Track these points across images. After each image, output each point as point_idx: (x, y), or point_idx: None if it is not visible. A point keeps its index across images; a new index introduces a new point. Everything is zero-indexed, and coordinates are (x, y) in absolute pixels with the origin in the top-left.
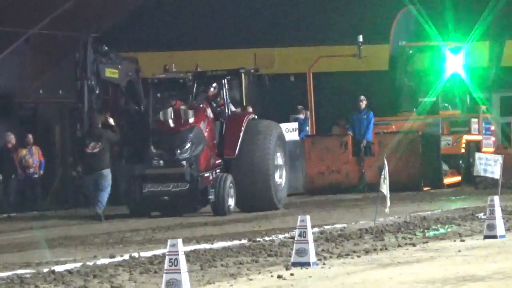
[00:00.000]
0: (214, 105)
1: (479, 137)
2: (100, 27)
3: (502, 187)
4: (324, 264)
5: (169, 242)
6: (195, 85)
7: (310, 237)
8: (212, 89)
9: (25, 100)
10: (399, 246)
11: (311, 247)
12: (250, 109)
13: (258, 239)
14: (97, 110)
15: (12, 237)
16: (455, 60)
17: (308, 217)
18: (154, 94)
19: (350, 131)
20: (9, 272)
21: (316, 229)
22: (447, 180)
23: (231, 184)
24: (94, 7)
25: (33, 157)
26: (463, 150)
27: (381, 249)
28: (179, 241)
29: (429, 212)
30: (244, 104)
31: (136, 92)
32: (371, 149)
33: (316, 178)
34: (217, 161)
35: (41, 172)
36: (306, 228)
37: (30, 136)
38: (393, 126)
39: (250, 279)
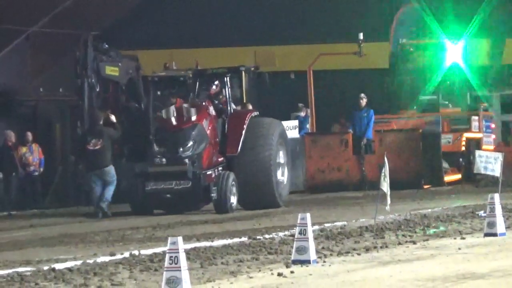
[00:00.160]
0: (216, 102)
1: (479, 135)
2: (101, 25)
3: (502, 185)
4: (324, 262)
5: (169, 240)
6: (197, 83)
7: (310, 235)
8: (214, 87)
9: (25, 98)
10: (399, 244)
11: (311, 245)
12: (250, 107)
13: (258, 237)
14: (98, 108)
15: (12, 235)
16: (456, 57)
17: (308, 215)
18: (154, 92)
19: (351, 129)
20: (9, 270)
21: (316, 227)
22: (448, 178)
23: (233, 182)
24: (95, 5)
25: (33, 155)
26: (463, 148)
27: (381, 247)
28: (179, 239)
29: (430, 210)
30: (245, 101)
31: (136, 90)
32: (372, 147)
33: (316, 176)
34: (219, 159)
35: (41, 169)
36: (306, 226)
37: (29, 134)
38: (394, 124)
39: (250, 277)
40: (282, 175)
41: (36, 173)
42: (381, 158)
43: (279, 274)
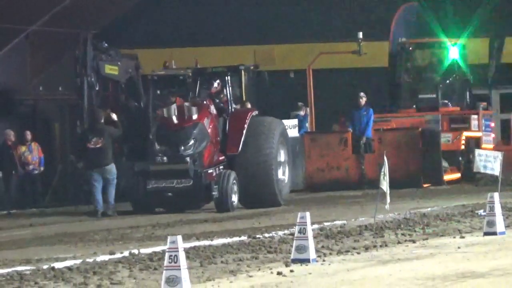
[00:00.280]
0: (217, 101)
1: (479, 134)
2: (100, 24)
3: (502, 184)
4: (323, 260)
5: (169, 238)
6: (198, 82)
7: (309, 234)
8: (215, 85)
9: (25, 97)
10: (399, 242)
11: (311, 244)
12: (249, 105)
13: (258, 236)
14: (98, 106)
15: (12, 234)
16: (455, 56)
17: (308, 214)
18: (154, 91)
19: (350, 128)
20: (9, 269)
21: (315, 226)
22: (447, 177)
23: (234, 181)
24: (94, 4)
25: (33, 153)
26: (463, 147)
27: (381, 246)
28: (179, 237)
29: (429, 209)
30: (244, 99)
31: (136, 89)
32: (371, 146)
33: (315, 175)
34: (221, 158)
35: (41, 168)
36: (306, 225)
37: (28, 133)
38: (393, 123)
39: (250, 276)
40: (283, 174)
41: (36, 172)
42: (381, 157)
43: (279, 273)
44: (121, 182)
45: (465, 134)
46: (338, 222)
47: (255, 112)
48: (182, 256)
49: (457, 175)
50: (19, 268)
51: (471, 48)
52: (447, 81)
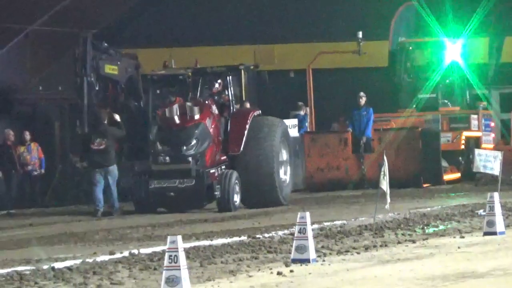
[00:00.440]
0: (218, 100)
1: (478, 134)
2: (100, 24)
3: (501, 184)
4: (323, 260)
5: (168, 238)
6: (200, 81)
7: (309, 234)
8: (217, 85)
9: (24, 96)
10: (398, 242)
11: (311, 244)
12: (248, 105)
13: (257, 236)
14: (102, 106)
15: (12, 234)
16: (455, 56)
17: (307, 214)
18: (154, 91)
19: (350, 128)
20: (9, 269)
21: (315, 226)
22: (447, 177)
23: (236, 181)
24: (94, 4)
25: (32, 154)
26: (462, 147)
27: (380, 246)
28: (179, 237)
29: (429, 209)
30: (244, 99)
31: (135, 89)
32: (371, 146)
33: (315, 175)
34: (222, 158)
35: (43, 171)
36: (306, 225)
37: (27, 133)
38: (393, 123)
39: (250, 276)
40: (285, 174)
41: (35, 173)
42: (381, 156)
43: (279, 273)
44: (120, 182)
45: (465, 133)
46: (338, 222)
47: (257, 112)
48: (182, 256)
49: (457, 175)
50: (19, 268)
51: (470, 47)
52: (447, 81)
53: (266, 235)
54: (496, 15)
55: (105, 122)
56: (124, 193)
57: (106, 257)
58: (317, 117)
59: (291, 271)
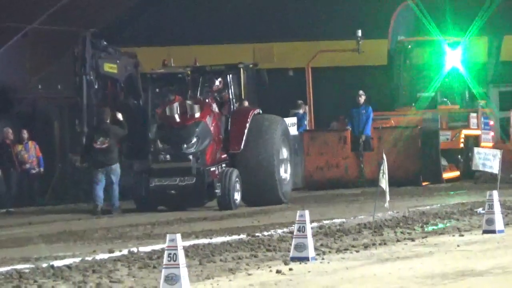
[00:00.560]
0: (219, 99)
1: (478, 132)
2: (99, 22)
3: (500, 182)
4: (323, 259)
5: (168, 237)
6: (197, 80)
7: (309, 232)
8: (217, 83)
9: (23, 95)
10: (398, 241)
11: (310, 242)
12: (246, 103)
13: (257, 234)
14: (104, 105)
15: (11, 232)
16: (454, 54)
17: (307, 212)
18: (153, 89)
19: (349, 126)
20: (8, 267)
21: (315, 224)
22: (446, 175)
23: (237, 179)
24: (93, 2)
25: (29, 152)
26: (462, 145)
27: (380, 244)
28: (178, 236)
29: (428, 207)
30: (243, 97)
31: (135, 87)
32: (370, 144)
33: (315, 173)
34: (223, 156)
35: (41, 169)
36: (305, 223)
37: (25, 131)
38: (392, 121)
39: (249, 274)
40: (285, 172)
41: (33, 171)
42: (380, 155)
43: (278, 271)
44: (120, 181)
45: (464, 132)
46: (337, 220)
47: (257, 111)
48: (181, 254)
49: (456, 173)
50: (18, 267)
51: (470, 46)
52: (446, 79)
53: (266, 233)
54: (495, 13)
55: (108, 121)
56: (124, 191)
57: (105, 255)
58: (316, 116)
59: (290, 269)
